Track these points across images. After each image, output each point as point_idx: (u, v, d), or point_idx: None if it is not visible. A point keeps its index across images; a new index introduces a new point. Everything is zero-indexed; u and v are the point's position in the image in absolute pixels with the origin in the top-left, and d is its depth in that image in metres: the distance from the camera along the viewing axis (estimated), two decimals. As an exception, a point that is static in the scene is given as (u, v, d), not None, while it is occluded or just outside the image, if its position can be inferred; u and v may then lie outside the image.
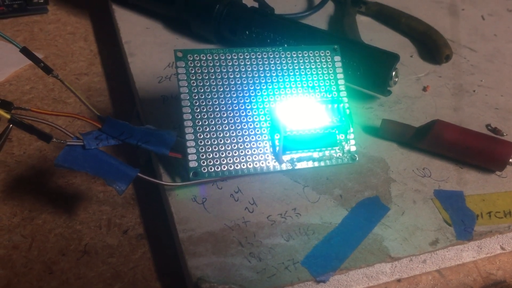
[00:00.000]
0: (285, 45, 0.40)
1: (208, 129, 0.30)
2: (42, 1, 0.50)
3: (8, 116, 0.26)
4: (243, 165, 0.30)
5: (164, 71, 0.40)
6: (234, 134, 0.31)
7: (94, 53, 0.46)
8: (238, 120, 0.31)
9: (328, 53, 0.34)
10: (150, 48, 0.43)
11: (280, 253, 0.27)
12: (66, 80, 0.42)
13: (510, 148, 0.32)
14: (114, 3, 0.48)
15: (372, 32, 0.48)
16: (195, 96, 0.31)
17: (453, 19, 0.52)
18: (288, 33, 0.40)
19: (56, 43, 0.47)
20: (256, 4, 0.44)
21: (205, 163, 0.30)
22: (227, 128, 0.31)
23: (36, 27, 0.49)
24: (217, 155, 0.30)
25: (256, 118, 0.31)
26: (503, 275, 0.30)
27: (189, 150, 0.30)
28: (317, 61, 0.33)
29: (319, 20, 0.50)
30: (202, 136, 0.30)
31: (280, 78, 0.32)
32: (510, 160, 0.32)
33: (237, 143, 0.31)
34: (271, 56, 0.33)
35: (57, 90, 0.41)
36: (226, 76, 0.31)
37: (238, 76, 0.32)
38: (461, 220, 0.30)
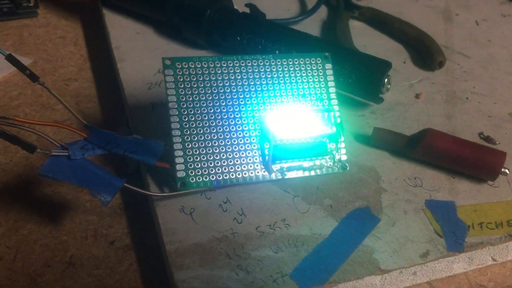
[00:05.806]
0: (277, 51, 0.39)
1: (196, 138, 0.30)
2: (32, 4, 0.49)
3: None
4: (232, 175, 0.30)
5: (154, 77, 0.39)
6: (223, 143, 0.30)
7: (84, 58, 0.46)
8: (227, 129, 0.31)
9: (319, 60, 0.33)
10: (140, 53, 0.42)
11: (269, 266, 0.27)
12: (55, 85, 0.42)
13: (502, 157, 0.32)
14: (105, 7, 0.47)
15: (365, 38, 0.48)
16: (183, 104, 0.30)
17: (447, 25, 0.52)
18: (279, 39, 0.39)
19: (45, 48, 0.46)
20: (247, 10, 0.43)
21: (193, 173, 0.29)
22: (216, 137, 0.30)
23: (25, 31, 0.48)
24: (206, 165, 0.30)
25: (245, 127, 0.31)
26: (494, 286, 0.29)
27: (177, 160, 0.29)
28: (308, 68, 0.33)
29: (312, 25, 0.49)
30: (190, 145, 0.30)
31: (270, 86, 0.32)
32: (502, 169, 0.32)
33: (226, 152, 0.30)
34: (261, 64, 0.32)
35: (45, 96, 0.40)
36: (215, 84, 0.31)
37: (228, 84, 0.31)
38: (452, 231, 0.29)
